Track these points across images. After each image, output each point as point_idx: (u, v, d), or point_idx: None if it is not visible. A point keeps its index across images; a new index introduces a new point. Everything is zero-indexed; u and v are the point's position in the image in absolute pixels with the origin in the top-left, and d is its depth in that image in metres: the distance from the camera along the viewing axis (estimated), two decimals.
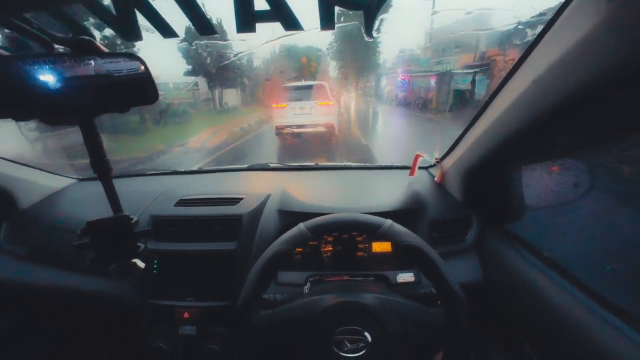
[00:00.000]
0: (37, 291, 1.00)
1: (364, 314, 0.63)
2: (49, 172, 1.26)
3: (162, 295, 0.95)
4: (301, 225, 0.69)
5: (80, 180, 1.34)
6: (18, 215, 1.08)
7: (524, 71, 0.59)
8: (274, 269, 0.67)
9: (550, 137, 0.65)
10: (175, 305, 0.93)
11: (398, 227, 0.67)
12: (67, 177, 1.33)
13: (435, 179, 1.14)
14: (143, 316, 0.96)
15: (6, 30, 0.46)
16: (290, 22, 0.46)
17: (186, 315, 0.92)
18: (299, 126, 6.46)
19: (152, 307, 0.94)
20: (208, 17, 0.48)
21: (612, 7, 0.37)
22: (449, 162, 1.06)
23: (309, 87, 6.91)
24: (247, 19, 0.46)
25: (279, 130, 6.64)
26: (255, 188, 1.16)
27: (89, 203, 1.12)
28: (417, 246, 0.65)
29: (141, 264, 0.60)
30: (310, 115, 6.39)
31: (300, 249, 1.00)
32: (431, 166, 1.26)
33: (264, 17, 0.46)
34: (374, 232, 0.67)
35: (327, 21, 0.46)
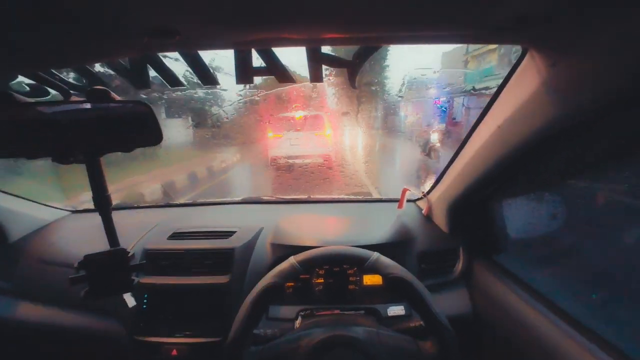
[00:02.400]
0: (20, 327, 0.96)
1: (353, 348, 0.63)
2: (41, 203, 1.27)
3: (149, 332, 0.92)
4: (292, 259, 0.71)
5: (73, 212, 1.35)
6: (6, 249, 1.07)
7: (491, 117, 0.66)
8: (265, 303, 0.68)
9: (520, 173, 0.71)
10: (163, 342, 0.90)
11: (384, 260, 0.70)
12: (59, 209, 1.34)
13: (423, 211, 1.18)
14: (129, 354, 0.92)
15: (30, 81, 0.52)
16: (284, 76, 0.53)
17: (174, 352, 0.89)
18: (295, 157, 6.29)
19: (139, 344, 0.91)
20: (211, 70, 0.55)
21: (552, 71, 0.45)
22: (434, 196, 1.11)
23: (306, 117, 6.84)
24: (245, 73, 0.53)
25: (275, 161, 6.56)
26: (248, 221, 1.18)
27: (81, 236, 1.12)
28: (403, 278, 0.67)
29: (131, 301, 0.60)
30: (307, 146, 6.35)
31: (292, 283, 1.00)
32: (419, 199, 1.31)
33: (260, 71, 0.53)
34: (362, 265, 0.69)
35: (315, 76, 0.53)
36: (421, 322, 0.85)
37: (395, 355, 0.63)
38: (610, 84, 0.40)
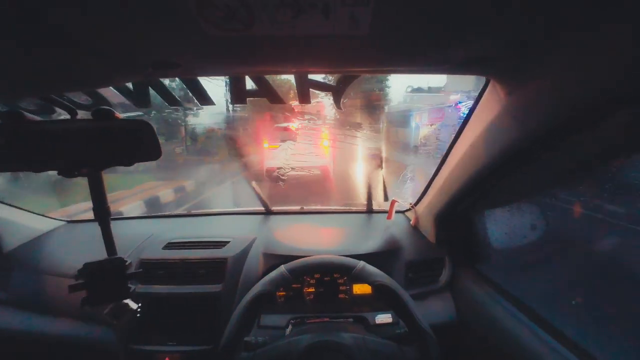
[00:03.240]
0: (14, 337, 0.96)
1: (340, 353, 0.66)
2: (36, 213, 1.28)
3: (143, 340, 0.93)
4: (282, 268, 0.74)
5: (69, 222, 1.36)
6: (0, 258, 1.08)
7: (464, 137, 0.72)
8: (256, 310, 0.71)
9: (498, 187, 0.77)
10: (156, 351, 0.92)
11: (370, 268, 0.74)
12: (55, 219, 1.35)
13: (411, 222, 1.23)
14: None
15: (39, 101, 0.56)
16: (274, 98, 0.58)
17: None
18: (291, 169, 6.40)
19: (133, 353, 0.92)
20: (207, 92, 0.60)
21: (510, 99, 0.51)
22: (421, 207, 1.16)
23: (304, 127, 6.97)
24: (240, 95, 0.58)
25: (270, 173, 6.58)
26: (242, 232, 1.21)
27: (76, 246, 1.14)
28: (387, 285, 0.71)
29: (133, 305, 0.63)
30: (303, 157, 6.39)
31: (283, 293, 1.03)
32: (407, 210, 1.36)
33: (253, 93, 0.58)
34: (348, 273, 0.73)
35: (303, 99, 0.58)
36: (406, 330, 0.89)
37: (379, 359, 0.66)
38: (559, 108, 0.46)
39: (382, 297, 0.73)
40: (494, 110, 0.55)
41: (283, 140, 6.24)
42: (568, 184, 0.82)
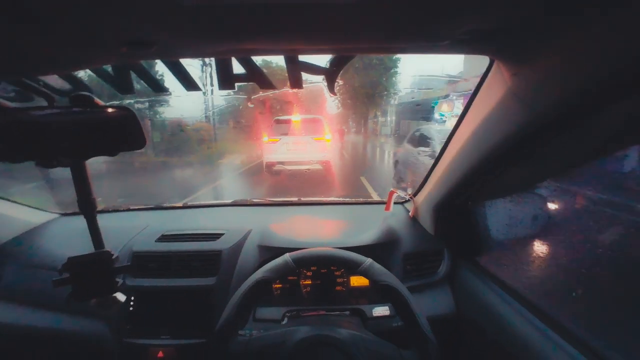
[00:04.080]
0: (7, 330, 0.96)
1: (336, 348, 0.64)
2: (29, 206, 1.26)
3: (136, 334, 0.93)
4: (287, 256, 0.72)
5: (62, 215, 1.34)
6: None
7: (465, 123, 0.69)
8: (256, 295, 0.69)
9: (497, 176, 0.74)
10: (150, 344, 0.91)
11: (377, 267, 0.72)
12: (49, 212, 1.33)
13: (410, 213, 1.21)
14: (116, 356, 0.92)
15: (13, 86, 0.53)
16: (264, 83, 0.55)
17: (160, 354, 0.89)
18: (291, 163, 5.90)
19: (126, 346, 0.91)
20: (192, 77, 0.56)
21: (515, 80, 0.47)
22: (420, 198, 1.13)
23: (304, 120, 6.46)
24: (227, 81, 0.54)
25: (270, 167, 6.06)
26: (237, 224, 1.19)
27: (69, 239, 1.12)
28: (393, 287, 0.69)
29: (122, 297, 0.61)
30: (304, 151, 5.86)
31: (279, 285, 1.02)
32: (406, 201, 1.33)
33: (241, 78, 0.55)
34: (354, 269, 0.71)
35: (295, 83, 0.55)
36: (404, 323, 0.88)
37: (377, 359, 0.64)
38: (567, 91, 0.43)
39: (385, 297, 0.71)
40: (498, 93, 0.52)
41: (283, 134, 6.00)
42: (574, 173, 0.79)
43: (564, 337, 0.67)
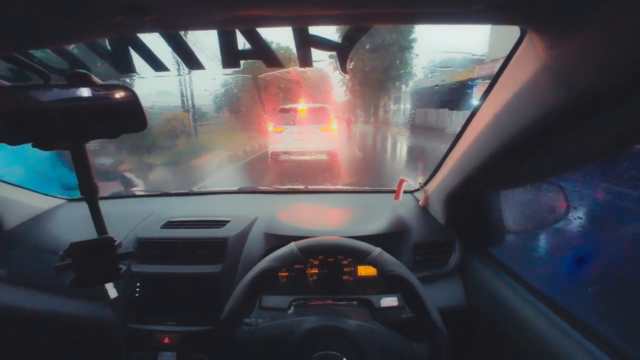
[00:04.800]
0: (14, 314, 0.97)
1: (344, 340, 0.62)
2: (37, 192, 1.27)
3: (142, 320, 0.93)
4: (293, 245, 0.70)
5: (69, 200, 1.35)
6: (1, 236, 1.07)
7: (487, 105, 0.64)
8: (261, 285, 0.68)
9: (518, 164, 0.69)
10: (156, 330, 0.91)
11: (386, 256, 0.69)
12: (55, 197, 1.33)
13: (420, 203, 1.17)
14: (121, 341, 0.93)
15: (7, 64, 0.50)
16: (271, 60, 0.51)
17: (166, 340, 0.89)
18: (297, 153, 5.77)
19: (132, 331, 0.92)
20: (194, 53, 0.52)
21: (551, 53, 0.43)
22: (431, 187, 1.09)
23: (310, 109, 6.36)
24: (231, 57, 0.51)
25: (275, 157, 5.99)
26: (243, 211, 1.17)
27: (76, 224, 1.12)
28: (404, 277, 0.66)
29: (113, 292, 0.60)
30: (310, 141, 5.76)
31: (286, 273, 1.00)
32: (416, 190, 1.29)
33: (246, 55, 0.51)
34: (363, 259, 0.68)
35: (304, 60, 0.51)
36: (413, 315, 0.86)
37: (387, 352, 0.62)
38: (609, 68, 0.38)
39: (394, 287, 0.69)
40: (530, 69, 0.47)
41: (288, 123, 5.90)
42: (608, 161, 0.74)
43: (581, 332, 0.64)
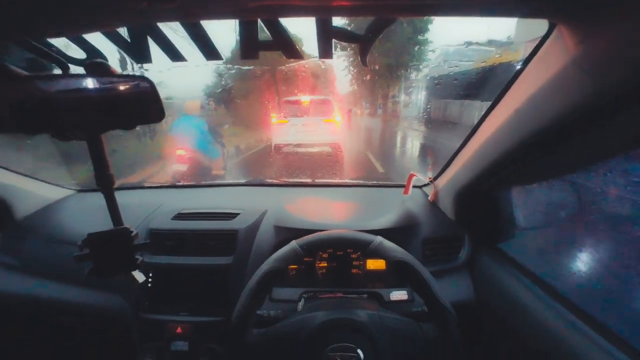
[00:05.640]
0: (27, 303, 0.98)
1: (355, 331, 0.63)
2: (47, 182, 1.27)
3: (155, 310, 0.94)
4: (294, 243, 0.70)
5: (79, 191, 1.35)
6: (13, 226, 1.08)
7: (507, 100, 0.63)
8: (267, 286, 0.68)
9: (535, 161, 0.68)
10: (168, 320, 0.92)
11: (388, 244, 0.70)
12: (66, 188, 1.34)
13: (429, 197, 1.17)
14: (135, 331, 0.94)
15: (26, 53, 0.49)
16: (291, 52, 0.50)
17: (179, 330, 0.91)
18: (301, 145, 5.78)
19: (144, 321, 0.93)
20: (214, 43, 0.51)
21: (581, 48, 0.41)
22: (441, 182, 1.09)
23: (313, 102, 6.36)
24: (250, 48, 0.50)
25: (278, 149, 6.02)
26: (253, 203, 1.17)
27: (86, 215, 1.13)
28: (405, 261, 0.67)
29: (141, 277, 0.61)
30: (314, 133, 5.77)
31: (295, 266, 1.01)
32: (425, 185, 1.29)
33: (266, 46, 0.50)
34: (365, 249, 0.69)
35: (325, 52, 0.50)
36: (424, 307, 0.86)
37: (397, 337, 0.63)
38: None
39: (401, 273, 0.69)
40: (558, 64, 0.45)
41: (291, 115, 5.91)
42: (625, 159, 0.73)
43: (592, 327, 0.64)
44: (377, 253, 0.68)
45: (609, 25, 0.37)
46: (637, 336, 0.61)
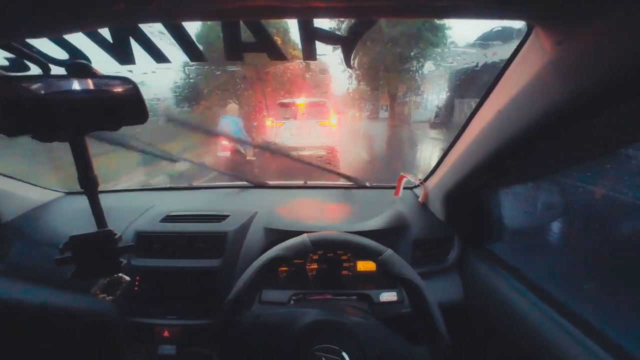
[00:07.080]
0: (14, 307, 0.96)
1: (344, 334, 0.63)
2: (34, 184, 1.26)
3: (142, 313, 0.93)
4: (305, 236, 0.71)
5: (67, 194, 1.34)
6: None
7: (491, 101, 0.64)
8: (270, 271, 0.69)
9: (520, 161, 0.70)
10: (156, 324, 0.91)
11: (396, 258, 0.70)
12: (53, 190, 1.32)
13: (419, 199, 1.17)
14: (122, 335, 0.93)
15: (6, 53, 0.49)
16: (275, 53, 0.50)
17: (166, 333, 0.90)
18: (296, 148, 5.46)
19: (132, 325, 0.92)
20: (198, 45, 0.51)
21: (558, 50, 0.42)
22: (431, 183, 1.10)
23: (308, 104, 6.32)
24: (234, 49, 0.50)
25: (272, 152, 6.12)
26: (243, 205, 1.17)
27: (74, 217, 1.11)
28: (413, 281, 0.67)
29: (126, 278, 0.60)
30: (309, 136, 5.77)
31: (285, 268, 1.00)
32: (416, 186, 1.30)
33: (250, 47, 0.50)
34: (374, 258, 0.69)
35: (308, 54, 0.50)
36: (412, 309, 0.86)
37: (385, 351, 0.62)
38: (619, 66, 0.38)
39: (406, 291, 0.69)
40: (535, 66, 0.46)
41: (286, 118, 5.84)
42: (609, 158, 0.74)
43: (578, 327, 0.65)
44: (384, 264, 0.69)
45: (585, 27, 0.38)
46: (621, 334, 0.62)
